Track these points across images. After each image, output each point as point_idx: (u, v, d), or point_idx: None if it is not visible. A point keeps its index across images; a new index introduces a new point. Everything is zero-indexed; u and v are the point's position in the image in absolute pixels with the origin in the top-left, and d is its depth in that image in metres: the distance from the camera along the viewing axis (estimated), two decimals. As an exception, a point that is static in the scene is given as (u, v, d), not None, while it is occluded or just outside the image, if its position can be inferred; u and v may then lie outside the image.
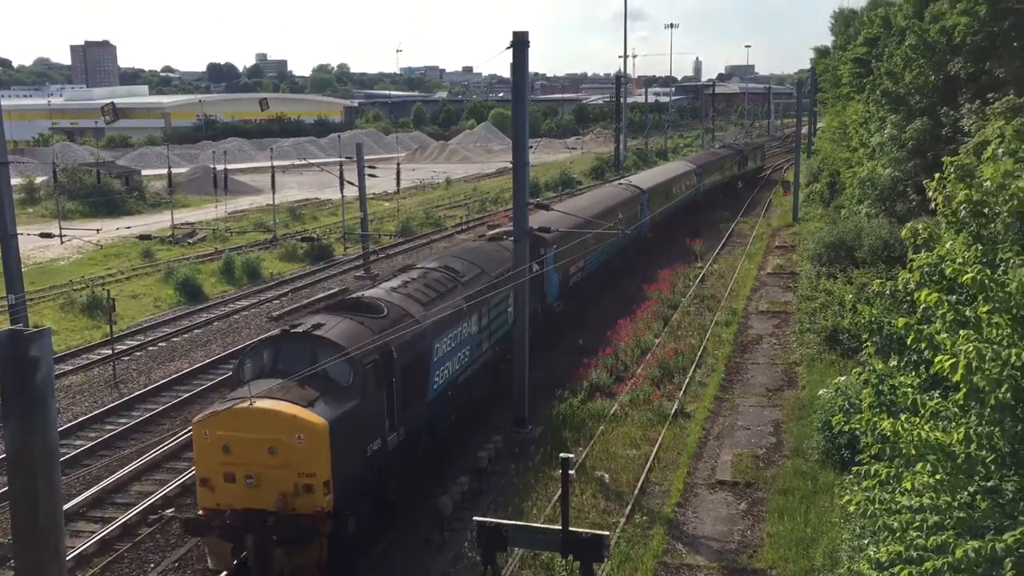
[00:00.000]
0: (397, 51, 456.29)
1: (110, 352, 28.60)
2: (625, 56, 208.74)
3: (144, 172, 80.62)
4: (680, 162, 65.16)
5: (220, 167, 66.08)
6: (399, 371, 16.96)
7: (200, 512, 14.89)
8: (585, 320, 31.76)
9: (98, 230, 45.22)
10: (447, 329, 19.65)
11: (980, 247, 9.88)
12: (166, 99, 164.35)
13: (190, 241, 51.75)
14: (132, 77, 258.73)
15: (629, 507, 17.41)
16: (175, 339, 31.80)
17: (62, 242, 41.53)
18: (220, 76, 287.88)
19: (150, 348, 30.69)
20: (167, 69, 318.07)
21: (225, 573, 15.09)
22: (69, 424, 23.14)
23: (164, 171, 67.35)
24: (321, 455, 14.21)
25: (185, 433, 22.16)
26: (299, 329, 16.35)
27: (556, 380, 25.49)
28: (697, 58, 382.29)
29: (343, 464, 14.65)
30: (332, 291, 38.73)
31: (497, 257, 24.73)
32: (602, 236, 33.34)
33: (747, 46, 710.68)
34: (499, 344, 23.52)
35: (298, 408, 14.34)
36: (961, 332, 8.29)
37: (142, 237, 38.75)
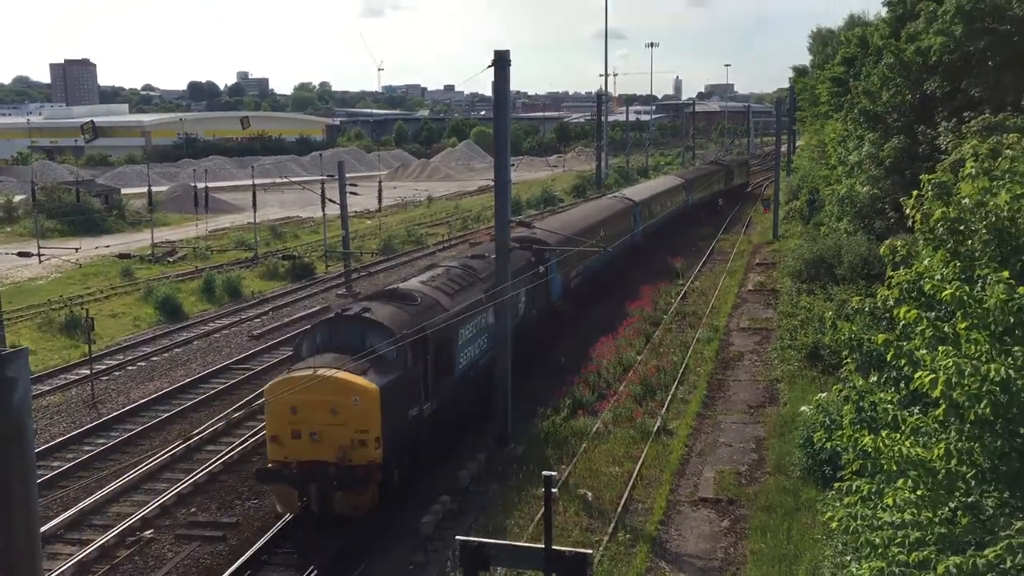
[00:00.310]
0: (379, 70, 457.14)
1: (88, 372, 28.33)
2: (606, 75, 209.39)
3: (124, 191, 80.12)
4: (670, 176, 68.43)
5: (201, 185, 65.92)
6: (431, 350, 19.64)
7: (269, 464, 17.66)
8: (582, 318, 33.84)
9: (77, 249, 45.00)
10: (469, 318, 22.24)
11: (958, 264, 9.96)
12: (146, 117, 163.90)
13: (170, 260, 51.42)
14: (112, 95, 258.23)
15: (612, 525, 17.36)
16: (154, 358, 31.55)
17: (40, 261, 41.24)
18: (201, 94, 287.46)
19: (129, 368, 30.44)
20: (147, 87, 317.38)
21: (291, 516, 17.80)
22: (47, 445, 22.87)
23: (144, 189, 67.01)
24: (373, 415, 17.03)
25: (164, 452, 22.01)
26: (350, 312, 19.17)
27: (539, 398, 25.46)
28: (677, 77, 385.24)
29: (390, 423, 17.37)
30: (314, 309, 38.59)
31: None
32: (604, 239, 35.42)
33: (727, 65, 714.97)
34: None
35: (354, 376, 17.04)
36: (940, 348, 8.35)
37: (121, 256, 38.56)
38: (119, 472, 20.74)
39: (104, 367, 30.03)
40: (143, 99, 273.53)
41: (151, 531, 18.40)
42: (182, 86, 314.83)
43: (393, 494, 18.02)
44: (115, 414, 25.43)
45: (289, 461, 17.35)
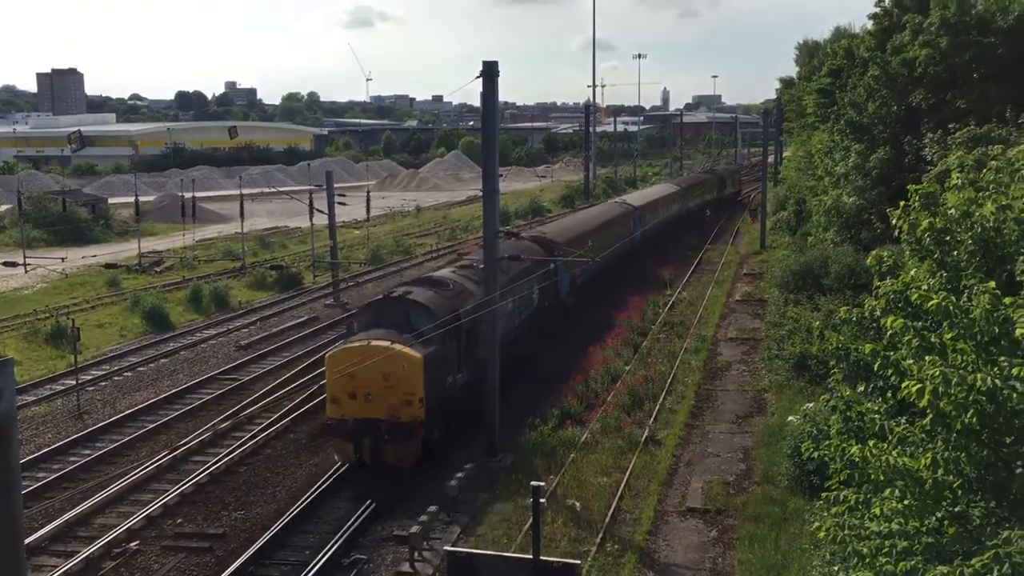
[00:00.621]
0: (367, 80, 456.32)
1: (74, 382, 28.14)
2: (594, 86, 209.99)
3: (111, 200, 79.87)
4: (667, 184, 72.98)
5: (188, 195, 65.67)
6: (463, 329, 22.31)
7: (328, 421, 20.80)
8: (585, 312, 36.10)
9: (63, 259, 44.73)
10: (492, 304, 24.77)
11: (944, 274, 10.02)
12: (134, 127, 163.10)
13: (157, 270, 51.23)
14: (99, 105, 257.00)
15: (600, 535, 17.34)
16: (141, 369, 31.39)
17: (26, 271, 41.01)
18: (189, 104, 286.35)
19: (115, 378, 30.26)
20: (135, 97, 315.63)
21: (347, 465, 20.86)
22: (32, 456, 22.69)
23: (131, 199, 66.80)
24: (417, 380, 20.07)
25: (150, 463, 21.87)
26: (395, 294, 22.64)
27: (533, 404, 25.46)
28: (665, 88, 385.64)
29: (431, 387, 20.39)
30: (302, 319, 38.48)
31: (525, 253, 29.51)
32: (605, 242, 40.09)
33: (714, 76, 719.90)
34: (525, 321, 28.95)
35: (401, 346, 20.04)
36: (927, 358, 8.38)
37: (108, 266, 38.35)
38: (104, 483, 20.58)
39: (90, 377, 29.85)
40: (130, 108, 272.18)
41: (137, 543, 18.26)
42: (170, 96, 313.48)
43: (432, 449, 20.92)
44: (101, 425, 25.26)
45: (346, 418, 20.49)
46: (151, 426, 25.08)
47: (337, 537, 17.78)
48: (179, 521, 19.44)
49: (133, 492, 20.81)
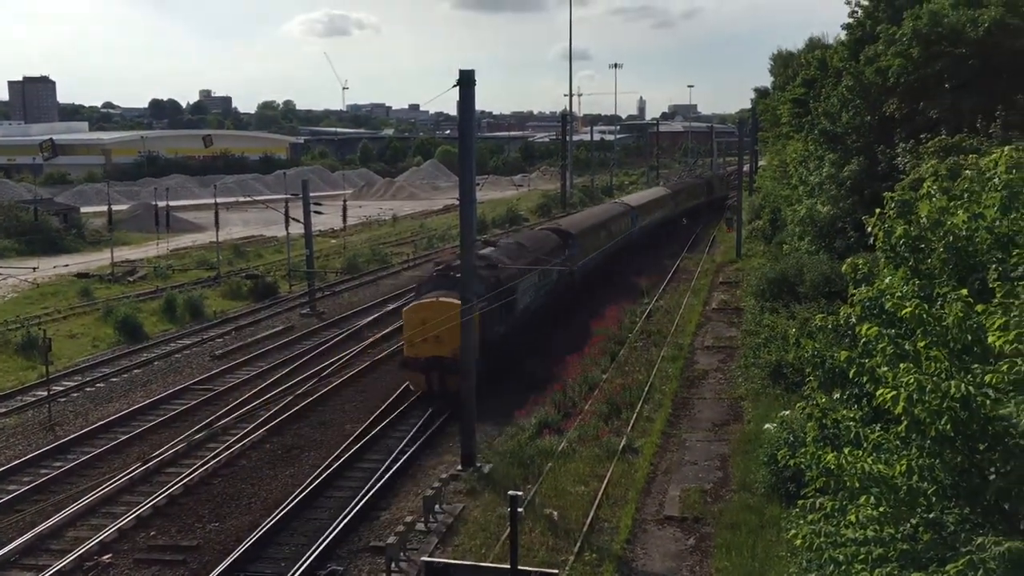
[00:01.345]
0: (343, 88, 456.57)
1: (46, 393, 27.81)
2: (571, 95, 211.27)
3: (83, 209, 79.10)
4: (661, 187, 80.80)
5: (162, 204, 65.24)
6: (502, 292, 28.29)
7: (406, 359, 27.17)
8: (592, 285, 43.69)
9: (35, 268, 44.24)
10: (524, 276, 32.10)
11: (918, 282, 10.09)
12: (107, 135, 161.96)
13: (130, 279, 50.76)
14: (72, 113, 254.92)
15: (578, 544, 17.30)
16: (114, 380, 31.05)
17: (-3, 280, 40.50)
18: (163, 112, 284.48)
19: (88, 389, 29.91)
20: (108, 105, 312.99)
21: (421, 393, 27.10)
22: (2, 468, 22.40)
23: (104, 208, 66.25)
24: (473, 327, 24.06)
25: (123, 475, 21.62)
26: (454, 265, 28.17)
27: (507, 412, 25.44)
28: (641, 97, 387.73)
29: (483, 333, 25.36)
30: (277, 329, 38.24)
31: (546, 240, 39.34)
32: (607, 233, 48.81)
33: (690, 86, 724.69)
34: (544, 294, 35.59)
35: (459, 302, 23.48)
36: (901, 365, 8.42)
37: (80, 275, 37.99)
38: (77, 495, 20.31)
39: (62, 388, 29.50)
40: (103, 117, 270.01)
41: (109, 556, 18.02)
42: (143, 104, 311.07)
43: (483, 381, 24.50)
44: (73, 436, 24.96)
45: (419, 357, 26.67)
46: (124, 438, 24.80)
47: (313, 548, 17.64)
48: (152, 534, 19.22)
49: (105, 505, 20.54)
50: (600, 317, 37.65)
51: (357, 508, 19.52)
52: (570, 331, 36.19)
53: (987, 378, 7.95)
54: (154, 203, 71.28)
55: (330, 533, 18.27)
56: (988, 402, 7.75)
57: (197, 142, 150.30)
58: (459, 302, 23.48)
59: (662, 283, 47.15)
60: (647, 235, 60.67)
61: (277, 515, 19.27)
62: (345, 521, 18.83)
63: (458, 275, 25.15)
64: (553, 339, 34.74)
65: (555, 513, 18.71)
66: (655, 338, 34.42)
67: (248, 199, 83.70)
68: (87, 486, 20.79)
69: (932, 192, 11.30)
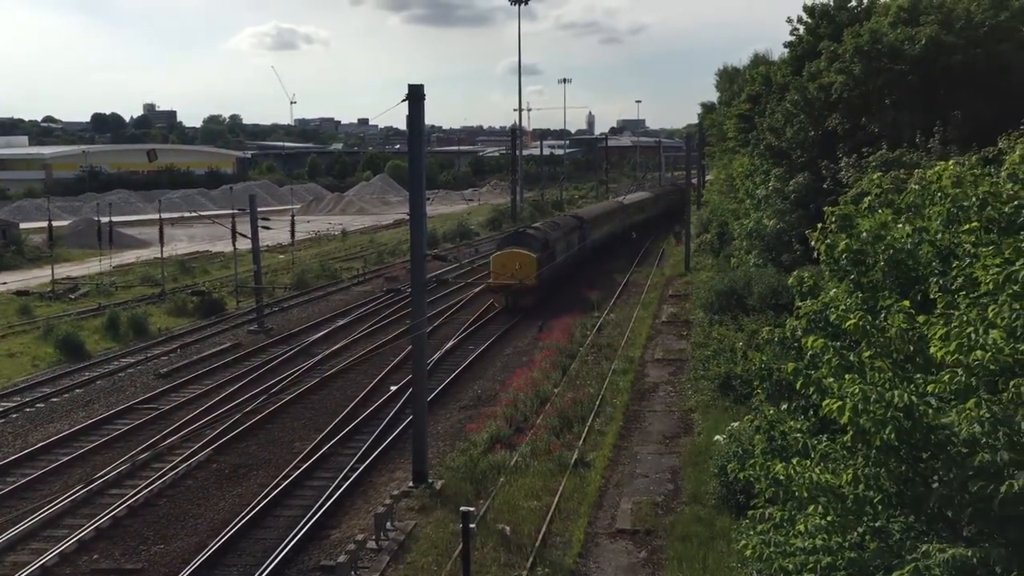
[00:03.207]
0: (291, 103, 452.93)
1: (-17, 415, 27.02)
2: (520, 109, 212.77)
3: (23, 225, 77.15)
4: (644, 191, 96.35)
5: (104, 219, 63.89)
6: (548, 251, 45.70)
7: (494, 285, 43.73)
8: (599, 253, 61.48)
9: (-28, 286, 43.04)
10: (560, 242, 49.84)
11: (861, 294, 10.27)
12: (47, 150, 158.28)
13: (72, 297, 49.61)
14: (11, 127, 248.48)
15: (531, 559, 17.25)
16: (54, 400, 30.29)
17: (-69, 299, 39.31)
18: (105, 126, 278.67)
19: (27, 410, 29.12)
20: (48, 119, 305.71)
21: (502, 308, 43.92)
22: (-64, 493, 21.67)
23: (44, 224, 64.71)
24: (532, 266, 42.99)
25: (65, 497, 21.08)
26: (520, 231, 49.13)
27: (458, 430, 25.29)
28: (590, 112, 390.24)
29: (539, 270, 43.05)
30: (224, 346, 37.66)
31: (569, 222, 56.42)
32: (609, 220, 67.64)
33: (638, 101, 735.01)
34: (570, 254, 52.40)
35: (525, 251, 43.60)
36: (846, 376, 8.56)
37: (19, 293, 37.08)
38: (16, 519, 19.74)
39: (1, 409, 28.68)
40: (43, 131, 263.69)
41: (50, 581, 17.53)
42: (85, 118, 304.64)
43: (539, 299, 43.87)
44: (12, 458, 24.24)
45: (500, 284, 43.10)
46: (65, 459, 24.16)
47: (261, 569, 17.35)
48: (95, 557, 18.74)
49: (47, 528, 19.99)
50: (607, 271, 56.92)
51: (306, 527, 19.25)
52: (584, 278, 53.15)
53: (929, 388, 8.12)
54: (96, 218, 69.81)
55: (279, 553, 17.98)
56: (930, 411, 7.91)
57: (141, 156, 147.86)
58: (526, 252, 43.71)
59: (612, 297, 47.44)
60: (635, 226, 75.78)
61: (224, 536, 18.91)
62: (294, 541, 18.55)
63: (525, 234, 47.17)
64: (575, 279, 52.24)
65: (508, 528, 18.64)
66: (606, 351, 34.60)
67: (194, 214, 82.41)
68: (27, 509, 20.20)
69: (875, 206, 11.53)
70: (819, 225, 11.67)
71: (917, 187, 11.23)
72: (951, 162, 11.05)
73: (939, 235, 10.46)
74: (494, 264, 43.89)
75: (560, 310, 42.72)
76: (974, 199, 10.13)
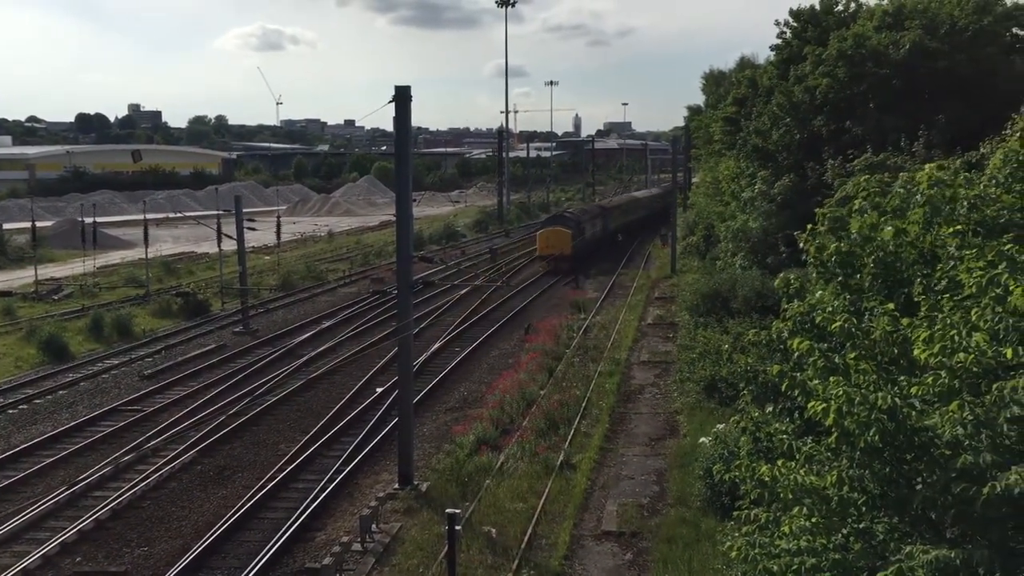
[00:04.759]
0: (278, 104, 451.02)
1: (-35, 416, 26.79)
2: (507, 112, 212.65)
3: (6, 226, 76.61)
4: (655, 188, 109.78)
5: (89, 220, 63.51)
6: (580, 229, 62.12)
7: (539, 254, 61.49)
8: (616, 243, 73.54)
9: (-46, 286, 42.69)
10: (590, 223, 66.03)
11: (847, 297, 10.31)
12: (31, 150, 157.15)
13: (55, 298, 49.29)
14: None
15: (516, 562, 17.24)
16: (37, 401, 30.07)
17: (-87, 299, 38.97)
18: (90, 127, 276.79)
19: (10, 411, 28.89)
20: (32, 119, 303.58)
21: (547, 272, 59.46)
22: (-84, 495, 21.48)
23: (28, 224, 64.28)
24: (568, 240, 60.00)
25: (47, 500, 20.93)
26: (560, 213, 68.59)
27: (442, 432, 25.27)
28: (577, 114, 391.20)
29: (573, 243, 60.14)
30: (209, 347, 37.50)
31: (596, 210, 71.94)
32: (624, 210, 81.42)
33: (624, 104, 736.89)
34: (596, 233, 67.30)
35: (563, 228, 60.86)
36: (831, 378, 8.59)
37: (2, 294, 36.78)
38: (-3, 522, 19.60)
39: (-18, 411, 28.47)
40: (27, 131, 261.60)
41: (32, 584, 17.40)
42: (70, 118, 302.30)
43: (575, 267, 57.94)
44: (-7, 461, 24.08)
45: (547, 254, 59.87)
46: (48, 461, 23.99)
47: (246, 572, 17.27)
48: (78, 560, 18.61)
49: (29, 530, 19.84)
50: (623, 248, 71.71)
51: (291, 529, 19.18)
52: (605, 252, 67.28)
53: (913, 390, 8.16)
54: (80, 219, 69.41)
55: (263, 556, 17.90)
56: (914, 413, 7.95)
57: (126, 157, 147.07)
58: (564, 229, 59.50)
59: (599, 299, 47.50)
60: (644, 218, 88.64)
61: (209, 538, 18.81)
62: (279, 543, 18.48)
63: (563, 216, 63.48)
64: (600, 252, 66.06)
65: (493, 530, 18.63)
66: (592, 353, 34.63)
67: (179, 215, 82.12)
68: (9, 512, 20.03)
69: (864, 208, 11.57)
70: (808, 227, 11.70)
71: (902, 190, 11.28)
72: (931, 165, 11.11)
73: (920, 238, 10.51)
74: (539, 239, 60.86)
75: (593, 268, 59.98)
76: (961, 204, 10.21)
